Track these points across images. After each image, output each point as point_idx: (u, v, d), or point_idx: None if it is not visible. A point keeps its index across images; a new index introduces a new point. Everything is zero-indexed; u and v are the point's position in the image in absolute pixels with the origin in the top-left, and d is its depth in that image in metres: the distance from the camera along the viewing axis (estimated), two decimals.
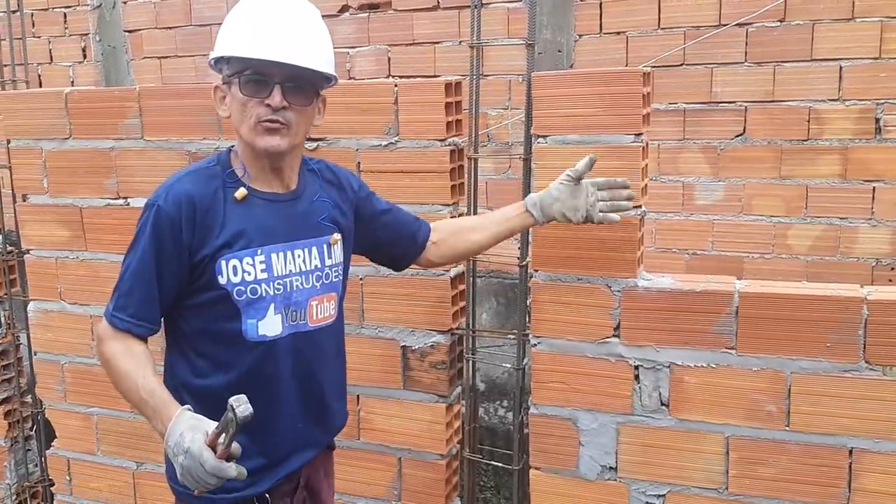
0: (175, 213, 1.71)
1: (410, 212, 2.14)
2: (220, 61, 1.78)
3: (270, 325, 1.79)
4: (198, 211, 1.72)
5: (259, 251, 1.77)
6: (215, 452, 1.51)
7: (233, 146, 1.85)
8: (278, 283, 1.79)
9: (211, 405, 1.74)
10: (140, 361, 1.71)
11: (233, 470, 1.52)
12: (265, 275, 1.77)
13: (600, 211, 1.98)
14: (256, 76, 1.72)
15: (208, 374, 1.80)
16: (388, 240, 2.08)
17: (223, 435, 1.51)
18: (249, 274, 1.75)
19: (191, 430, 1.55)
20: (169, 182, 1.78)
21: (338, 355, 2.02)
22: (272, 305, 1.79)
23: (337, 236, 1.91)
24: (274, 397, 1.83)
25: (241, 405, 1.47)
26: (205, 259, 1.73)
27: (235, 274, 1.74)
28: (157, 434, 1.65)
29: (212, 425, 1.56)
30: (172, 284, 1.75)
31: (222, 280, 1.73)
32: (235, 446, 1.51)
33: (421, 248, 2.10)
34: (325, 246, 1.89)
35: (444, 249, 2.12)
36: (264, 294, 1.77)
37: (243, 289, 1.75)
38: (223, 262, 1.73)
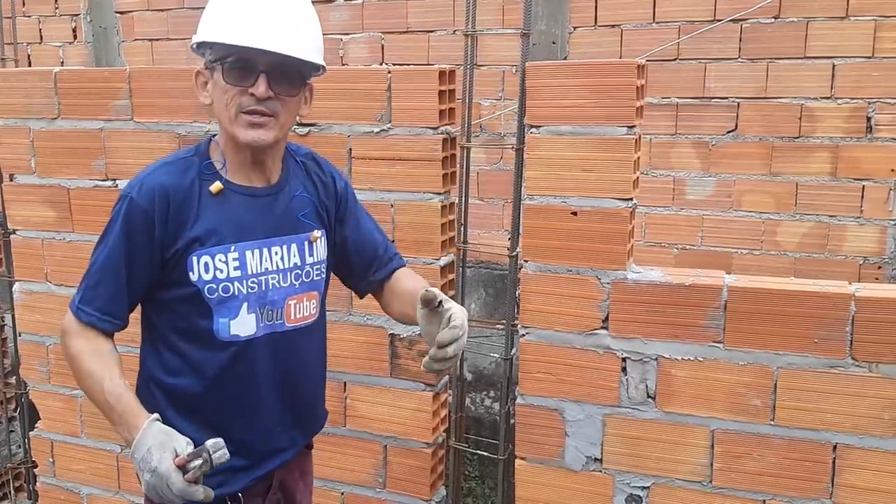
0: (148, 207, 1.65)
1: (392, 245, 2.00)
2: (202, 46, 1.70)
3: (243, 325, 1.73)
4: (171, 204, 1.66)
5: (233, 248, 1.70)
6: (183, 473, 1.51)
7: (215, 135, 1.79)
8: (252, 282, 1.73)
9: (182, 405, 1.74)
10: (106, 362, 1.66)
11: (200, 493, 1.53)
12: (238, 272, 1.71)
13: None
14: (241, 63, 1.63)
15: (180, 373, 1.75)
16: (347, 257, 1.94)
17: (194, 462, 1.51)
18: (221, 271, 1.69)
19: (159, 448, 1.53)
20: (144, 173, 1.70)
21: (318, 355, 1.95)
22: (245, 304, 1.72)
23: (318, 233, 1.84)
24: (251, 398, 1.79)
25: (217, 451, 1.51)
26: (176, 254, 1.67)
27: (207, 271, 1.68)
28: (122, 440, 1.62)
29: (181, 442, 1.55)
30: (142, 279, 1.70)
31: (193, 277, 1.68)
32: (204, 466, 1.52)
33: (375, 283, 1.96)
34: (305, 243, 1.82)
35: (383, 300, 1.98)
36: (237, 293, 1.71)
37: (215, 286, 1.69)
38: (194, 259, 1.67)
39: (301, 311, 1.83)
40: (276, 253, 1.77)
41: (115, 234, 1.68)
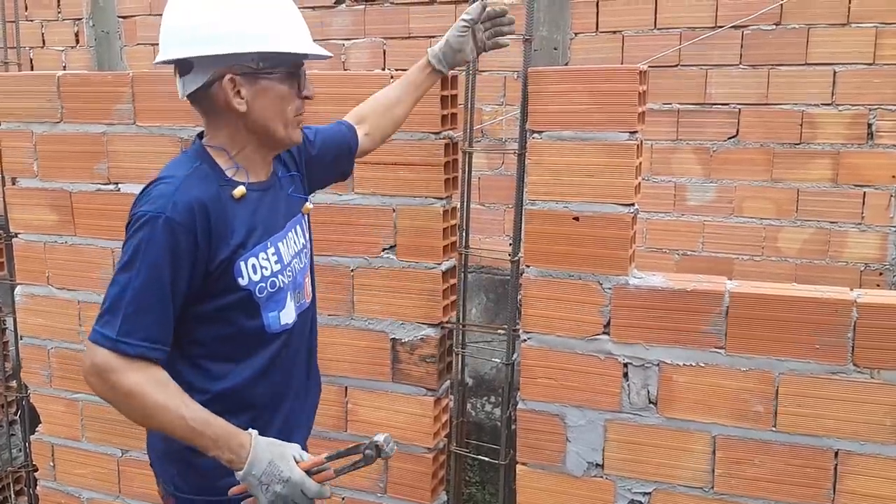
0: (189, 223, 1.59)
1: (329, 124, 2.11)
2: (241, 55, 1.64)
3: (289, 313, 1.80)
4: (211, 217, 1.63)
5: (269, 244, 1.74)
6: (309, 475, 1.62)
7: (202, 140, 1.75)
8: (289, 271, 1.79)
9: (229, 404, 1.72)
10: (171, 390, 1.59)
11: (328, 492, 1.64)
12: (279, 266, 1.75)
13: (489, 39, 2.13)
14: (296, 69, 1.72)
15: (227, 375, 1.74)
16: (331, 165, 2.07)
17: (331, 460, 1.65)
18: (267, 269, 1.72)
19: (282, 459, 1.61)
20: (168, 190, 1.61)
21: (316, 326, 2.03)
22: (289, 293, 1.79)
23: (309, 205, 1.93)
24: (289, 377, 1.85)
25: (389, 444, 1.64)
26: (222, 264, 1.65)
27: (255, 272, 1.70)
28: (218, 460, 1.60)
29: (295, 448, 1.65)
30: (181, 299, 1.64)
31: (243, 281, 1.68)
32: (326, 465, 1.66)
33: (356, 152, 2.11)
34: (302, 221, 1.91)
35: (377, 136, 2.15)
36: (282, 285, 1.76)
37: (264, 285, 1.71)
38: (242, 264, 1.67)
39: (308, 286, 1.92)
40: (291, 237, 1.84)
41: (153, 257, 1.58)
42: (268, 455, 1.60)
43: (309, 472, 1.62)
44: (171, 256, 1.58)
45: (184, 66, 1.67)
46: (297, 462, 1.62)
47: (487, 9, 2.13)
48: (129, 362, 1.57)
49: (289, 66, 1.70)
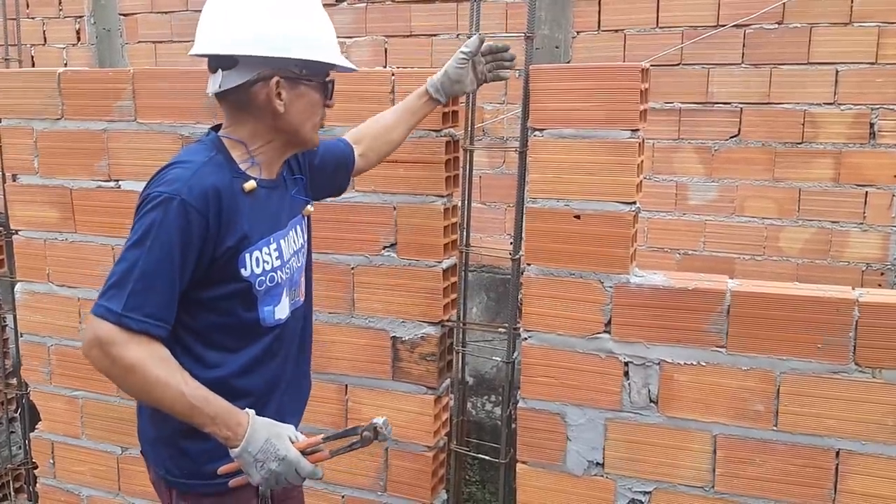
0: (202, 207, 1.62)
1: (330, 139, 2.14)
2: (287, 60, 1.70)
3: (283, 309, 1.84)
4: (223, 204, 1.66)
5: (271, 239, 1.78)
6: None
7: (218, 133, 1.78)
8: (287, 268, 1.83)
9: (221, 392, 1.72)
10: (172, 367, 1.62)
11: (320, 473, 1.69)
12: (279, 262, 1.79)
13: (489, 72, 2.22)
14: (330, 81, 1.80)
15: (220, 364, 1.76)
16: (331, 177, 2.11)
17: (327, 442, 1.68)
18: (268, 263, 1.76)
19: (278, 438, 1.65)
20: (184, 174, 1.64)
21: (311, 323, 2.05)
22: (284, 290, 1.83)
23: (310, 207, 1.97)
24: (281, 371, 1.88)
25: (387, 427, 1.69)
26: (228, 252, 1.68)
27: (258, 265, 1.74)
28: (215, 437, 1.63)
29: (290, 429, 1.69)
30: (186, 281, 1.66)
31: (245, 273, 1.72)
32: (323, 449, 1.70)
33: (352, 170, 2.15)
34: (303, 222, 1.95)
35: (371, 158, 2.19)
36: (280, 281, 1.80)
37: (264, 279, 1.75)
38: (247, 256, 1.71)
39: (304, 284, 1.95)
40: (291, 236, 1.87)
41: (165, 236, 1.60)
42: (265, 433, 1.64)
43: (304, 453, 1.65)
44: (181, 238, 1.61)
45: (227, 63, 1.71)
46: (292, 442, 1.66)
47: (488, 43, 2.17)
48: (131, 336, 1.59)
49: (324, 76, 1.78)
